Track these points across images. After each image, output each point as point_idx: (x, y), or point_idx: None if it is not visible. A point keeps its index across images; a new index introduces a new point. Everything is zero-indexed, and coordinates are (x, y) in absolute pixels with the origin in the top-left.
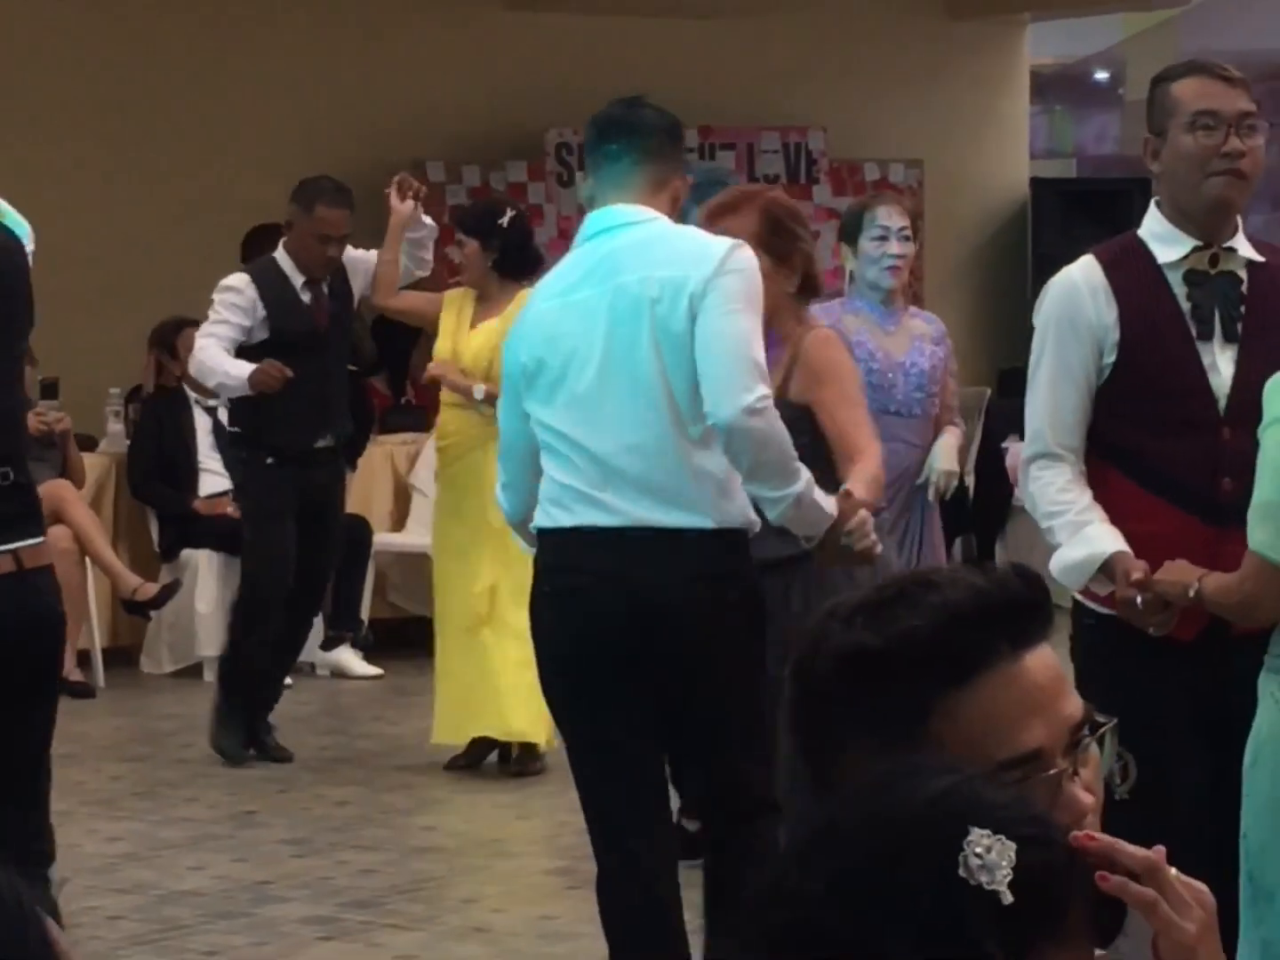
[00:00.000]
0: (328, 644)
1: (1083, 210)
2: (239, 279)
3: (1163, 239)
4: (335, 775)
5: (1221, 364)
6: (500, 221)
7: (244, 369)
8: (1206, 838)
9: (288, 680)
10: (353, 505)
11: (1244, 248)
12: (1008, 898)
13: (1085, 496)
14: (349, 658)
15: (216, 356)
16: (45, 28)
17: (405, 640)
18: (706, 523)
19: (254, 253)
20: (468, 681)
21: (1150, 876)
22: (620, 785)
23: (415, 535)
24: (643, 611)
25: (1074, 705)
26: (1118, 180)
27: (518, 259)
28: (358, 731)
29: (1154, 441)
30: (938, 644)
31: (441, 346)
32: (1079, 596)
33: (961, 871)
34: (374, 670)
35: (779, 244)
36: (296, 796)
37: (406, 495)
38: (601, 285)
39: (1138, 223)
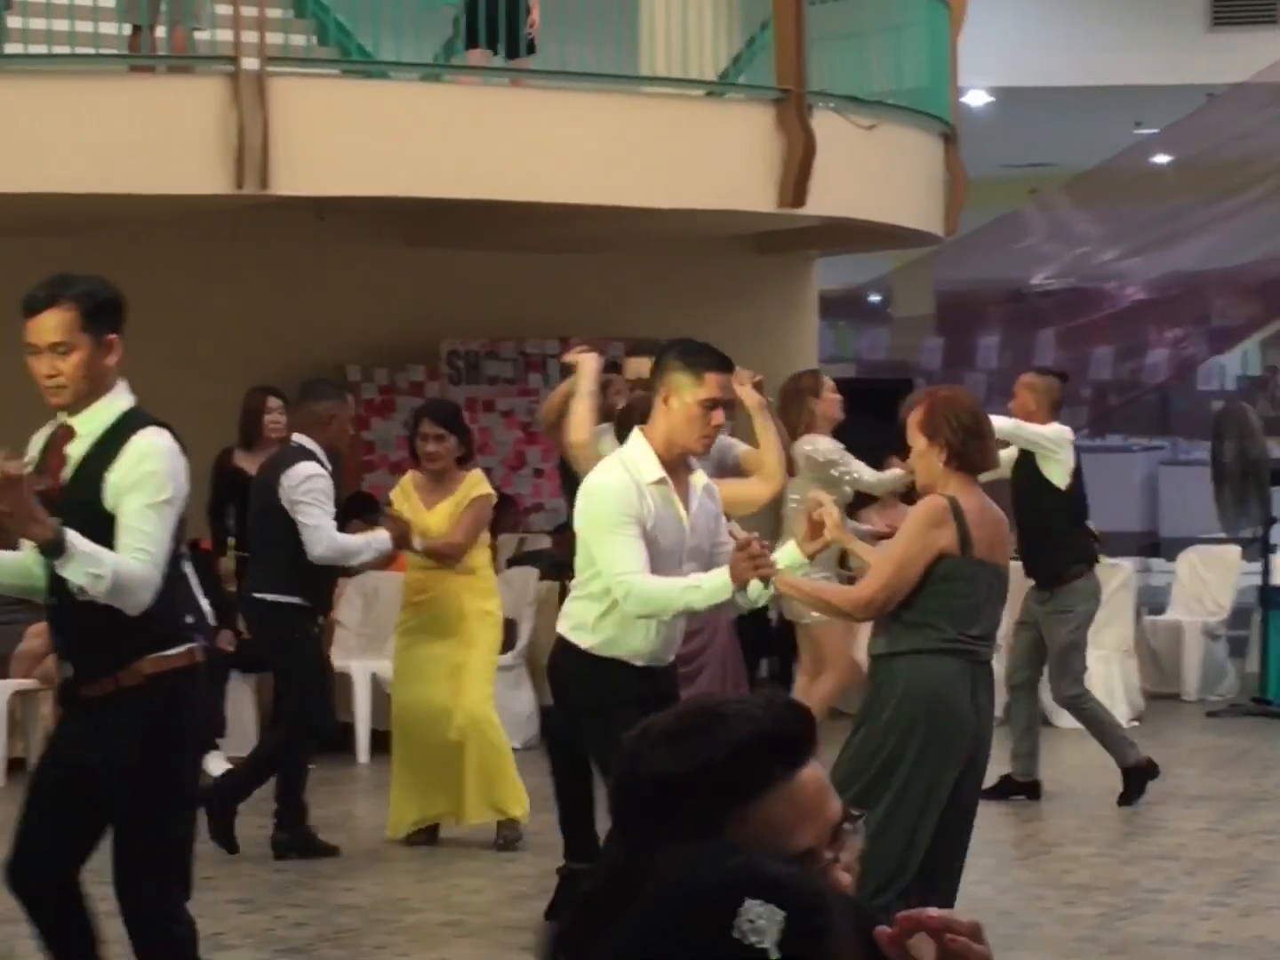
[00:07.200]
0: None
1: (861, 404)
2: (317, 468)
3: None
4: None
5: None
6: (464, 421)
7: (378, 537)
8: None
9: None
10: None
11: None
12: (775, 954)
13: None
14: None
15: (349, 538)
16: None
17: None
18: None
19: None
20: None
21: (977, 935)
22: None
23: None
24: None
25: (835, 807)
26: (888, 380)
27: (471, 451)
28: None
29: None
30: (728, 772)
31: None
32: None
33: (736, 934)
34: None
35: None
36: (245, 866)
37: None
38: None
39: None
